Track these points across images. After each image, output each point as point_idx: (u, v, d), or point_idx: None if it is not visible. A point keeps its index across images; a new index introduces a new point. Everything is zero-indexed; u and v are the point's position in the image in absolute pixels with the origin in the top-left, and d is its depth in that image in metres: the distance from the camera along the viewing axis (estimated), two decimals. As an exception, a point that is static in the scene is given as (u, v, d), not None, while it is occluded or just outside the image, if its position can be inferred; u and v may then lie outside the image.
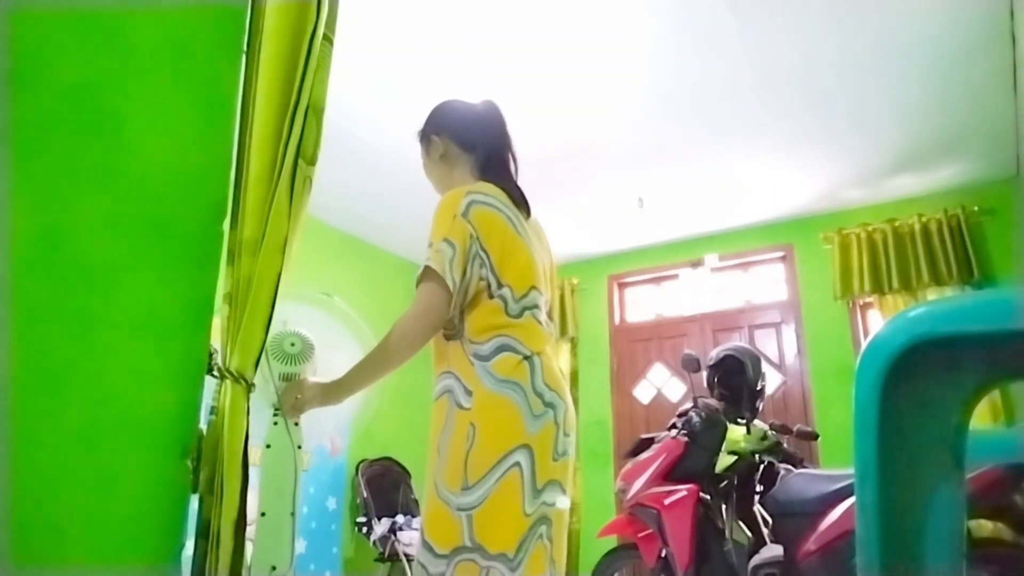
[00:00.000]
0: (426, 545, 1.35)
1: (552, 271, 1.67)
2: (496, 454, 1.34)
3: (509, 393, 1.38)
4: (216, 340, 1.32)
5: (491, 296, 1.45)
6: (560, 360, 5.46)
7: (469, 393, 1.40)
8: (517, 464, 1.34)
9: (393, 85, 3.35)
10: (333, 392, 1.49)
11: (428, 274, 1.41)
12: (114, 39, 1.12)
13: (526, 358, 1.42)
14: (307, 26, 1.40)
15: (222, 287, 1.33)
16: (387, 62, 3.18)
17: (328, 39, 1.48)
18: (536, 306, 1.50)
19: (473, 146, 1.63)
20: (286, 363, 1.52)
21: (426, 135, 1.69)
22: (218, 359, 1.32)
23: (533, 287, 1.50)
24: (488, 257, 1.45)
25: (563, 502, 1.41)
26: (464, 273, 1.41)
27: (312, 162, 1.44)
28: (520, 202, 1.58)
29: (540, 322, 1.50)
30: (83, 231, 1.05)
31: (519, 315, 1.46)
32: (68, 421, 1.00)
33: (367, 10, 2.81)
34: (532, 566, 1.32)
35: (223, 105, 1.32)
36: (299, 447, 1.51)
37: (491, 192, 1.52)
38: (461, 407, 1.40)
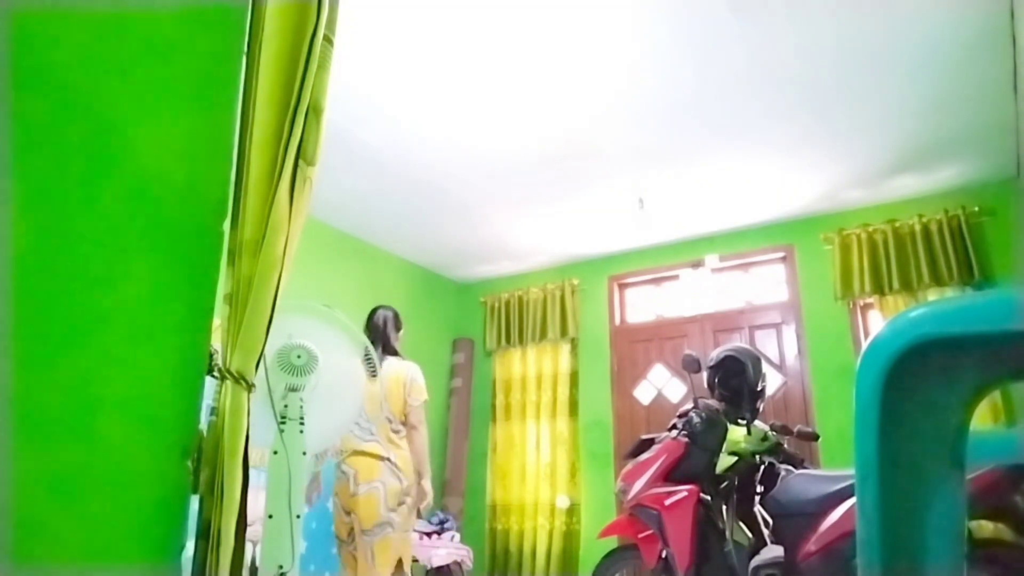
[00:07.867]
0: None
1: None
2: None
3: None
4: (216, 340, 1.32)
5: None
6: (560, 361, 5.48)
7: None
8: None
9: (393, 85, 3.35)
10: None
11: None
12: (114, 39, 1.12)
13: None
14: (307, 27, 1.40)
15: (222, 287, 1.33)
16: (387, 63, 3.18)
17: (328, 40, 1.48)
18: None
19: None
20: (292, 374, 1.56)
21: None
22: (218, 359, 1.32)
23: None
24: None
25: None
26: None
27: (312, 163, 1.44)
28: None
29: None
30: (83, 232, 1.05)
31: None
32: (68, 421, 1.00)
33: (367, 10, 2.81)
34: None
35: (223, 105, 1.32)
36: (303, 452, 1.54)
37: None
38: None
